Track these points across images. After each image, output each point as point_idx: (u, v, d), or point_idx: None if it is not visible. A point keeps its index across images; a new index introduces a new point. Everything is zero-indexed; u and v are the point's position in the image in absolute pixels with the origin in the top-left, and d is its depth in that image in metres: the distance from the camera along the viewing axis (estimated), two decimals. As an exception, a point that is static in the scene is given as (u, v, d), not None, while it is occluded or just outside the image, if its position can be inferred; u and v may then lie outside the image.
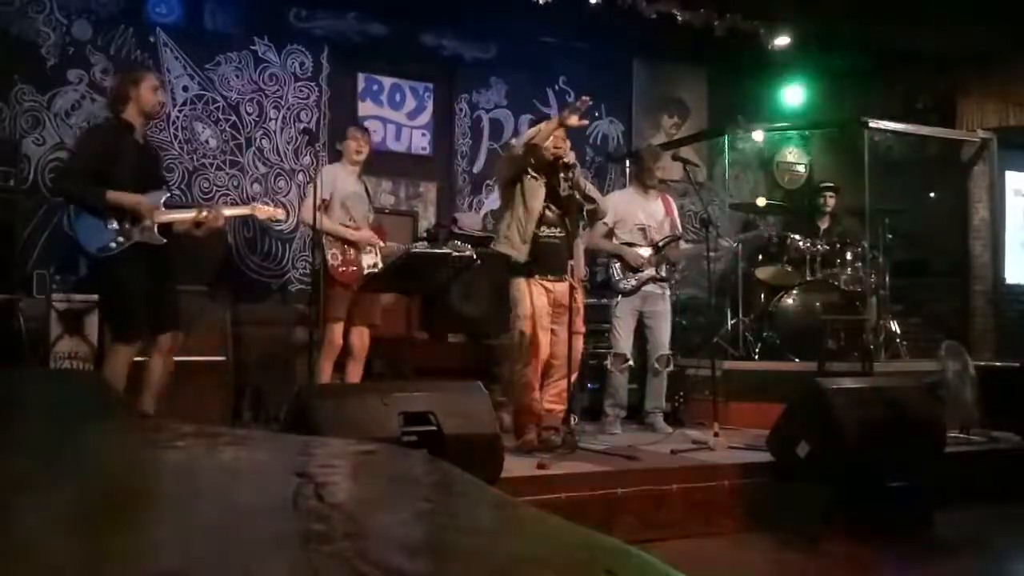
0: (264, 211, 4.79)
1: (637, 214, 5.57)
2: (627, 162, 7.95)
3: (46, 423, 2.02)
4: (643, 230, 5.56)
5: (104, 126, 4.51)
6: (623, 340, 5.46)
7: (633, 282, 5.48)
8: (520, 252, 4.61)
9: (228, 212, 4.66)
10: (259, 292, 6.64)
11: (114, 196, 4.09)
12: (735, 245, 6.63)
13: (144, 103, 4.29)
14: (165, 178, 4.46)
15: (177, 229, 4.33)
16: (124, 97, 4.29)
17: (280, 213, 4.98)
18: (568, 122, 4.45)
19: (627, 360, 5.46)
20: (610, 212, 5.34)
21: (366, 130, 5.52)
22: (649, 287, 5.50)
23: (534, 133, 4.54)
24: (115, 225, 4.11)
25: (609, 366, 5.49)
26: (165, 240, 4.23)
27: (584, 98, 4.39)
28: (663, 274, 5.55)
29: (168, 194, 4.30)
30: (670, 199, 5.80)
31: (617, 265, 5.52)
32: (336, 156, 5.40)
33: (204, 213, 4.42)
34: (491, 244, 4.87)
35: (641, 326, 5.54)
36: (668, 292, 5.63)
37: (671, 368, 5.60)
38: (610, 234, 5.55)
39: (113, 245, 4.08)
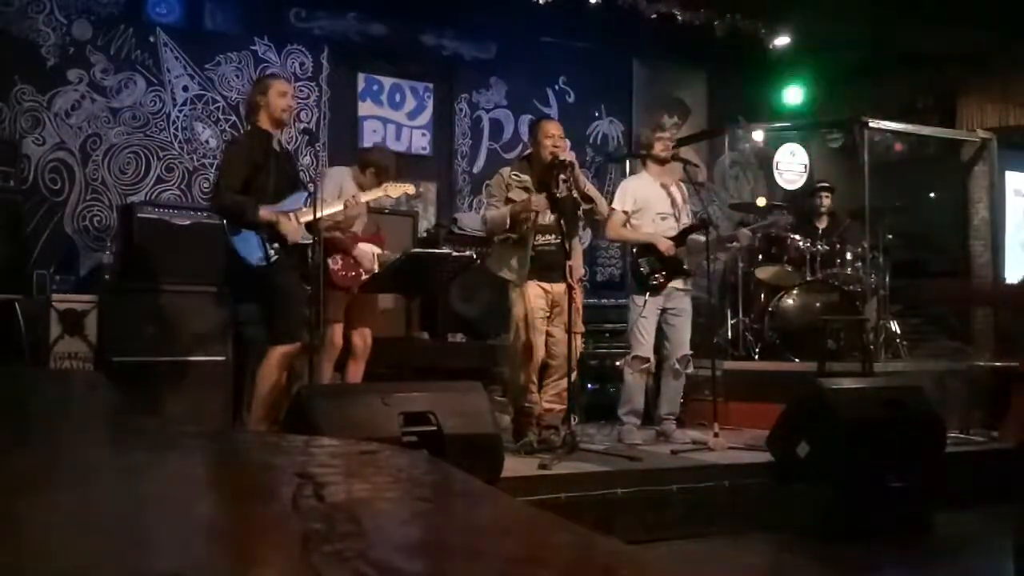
0: (397, 189, 4.88)
1: (657, 201, 5.18)
2: (627, 162, 7.95)
3: (47, 423, 2.02)
4: (665, 218, 5.17)
5: (242, 138, 4.59)
6: (646, 341, 5.02)
7: (662, 278, 5.03)
8: (520, 278, 4.62)
9: (365, 197, 4.77)
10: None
11: (264, 213, 4.16)
12: (756, 235, 6.43)
13: (273, 109, 4.32)
14: (302, 180, 4.53)
15: (323, 224, 4.36)
16: (255, 106, 4.35)
17: (411, 188, 5.04)
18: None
19: (648, 362, 5.05)
20: (628, 199, 5.13)
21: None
22: (675, 282, 5.08)
23: (497, 219, 4.64)
24: (266, 235, 4.18)
25: (627, 369, 5.08)
26: (312, 239, 4.27)
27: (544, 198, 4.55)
28: (687, 267, 5.12)
29: (307, 194, 4.29)
30: (684, 187, 5.37)
31: (644, 260, 5.05)
32: (338, 158, 5.37)
33: (346, 203, 4.56)
34: (488, 263, 4.85)
35: (660, 325, 5.12)
36: (691, 288, 5.25)
37: (691, 370, 5.27)
38: (627, 223, 5.14)
39: (271, 253, 4.16)
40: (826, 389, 4.30)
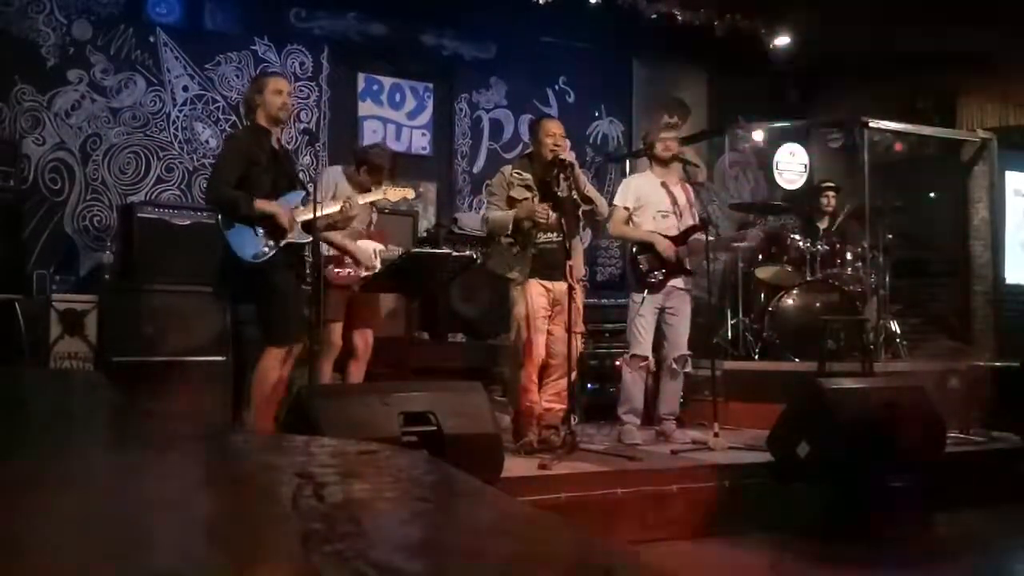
0: (396, 193, 4.87)
1: (658, 199, 5.14)
2: (627, 162, 7.95)
3: (47, 423, 2.02)
4: (666, 216, 5.12)
5: (240, 134, 4.60)
6: (644, 340, 4.99)
7: (661, 276, 5.01)
8: (522, 276, 4.62)
9: (362, 200, 4.75)
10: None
11: (260, 204, 4.14)
12: (759, 235, 6.44)
13: (270, 107, 4.30)
14: (300, 178, 4.56)
15: (319, 224, 4.34)
16: (253, 104, 4.36)
17: (410, 193, 5.03)
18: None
19: (646, 360, 5.02)
20: (630, 195, 5.13)
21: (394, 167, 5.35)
22: (674, 281, 5.05)
23: (500, 221, 4.62)
24: (263, 231, 4.16)
25: (625, 367, 5.08)
26: (310, 238, 4.26)
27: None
28: (688, 266, 5.09)
29: (304, 193, 4.30)
30: (690, 188, 5.31)
31: (644, 257, 5.04)
32: (338, 158, 5.37)
33: (343, 205, 4.51)
34: (489, 263, 4.85)
35: (659, 324, 5.09)
36: (691, 287, 5.20)
37: (688, 369, 5.24)
38: (628, 220, 5.13)
39: (266, 250, 4.14)
40: (826, 389, 4.30)
